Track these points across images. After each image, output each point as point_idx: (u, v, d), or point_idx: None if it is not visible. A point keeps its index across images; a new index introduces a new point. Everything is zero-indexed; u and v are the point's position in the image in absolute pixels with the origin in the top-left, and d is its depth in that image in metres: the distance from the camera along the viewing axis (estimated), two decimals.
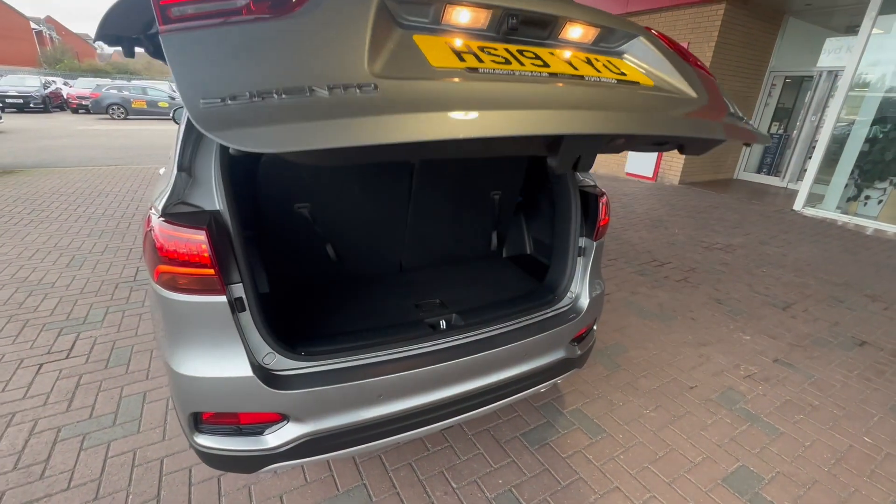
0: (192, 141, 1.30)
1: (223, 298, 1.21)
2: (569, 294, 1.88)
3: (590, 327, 1.97)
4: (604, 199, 1.86)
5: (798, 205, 7.14)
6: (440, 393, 1.49)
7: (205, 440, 1.32)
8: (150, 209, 1.25)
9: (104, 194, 6.16)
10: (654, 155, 8.92)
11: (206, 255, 1.16)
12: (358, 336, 1.53)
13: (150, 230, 1.19)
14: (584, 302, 1.85)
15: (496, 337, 1.61)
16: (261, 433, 1.33)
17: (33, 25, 45.07)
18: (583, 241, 1.90)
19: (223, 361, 1.24)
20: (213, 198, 1.26)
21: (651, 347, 3.02)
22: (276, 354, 1.33)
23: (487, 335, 1.61)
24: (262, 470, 1.37)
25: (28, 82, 19.36)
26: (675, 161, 8.73)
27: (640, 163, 9.26)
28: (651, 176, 9.09)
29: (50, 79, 23.93)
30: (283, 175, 1.60)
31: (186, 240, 1.16)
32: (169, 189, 1.23)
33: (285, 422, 1.33)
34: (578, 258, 1.90)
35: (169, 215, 1.20)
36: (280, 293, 1.85)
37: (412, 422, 1.47)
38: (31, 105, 18.35)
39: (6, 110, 17.35)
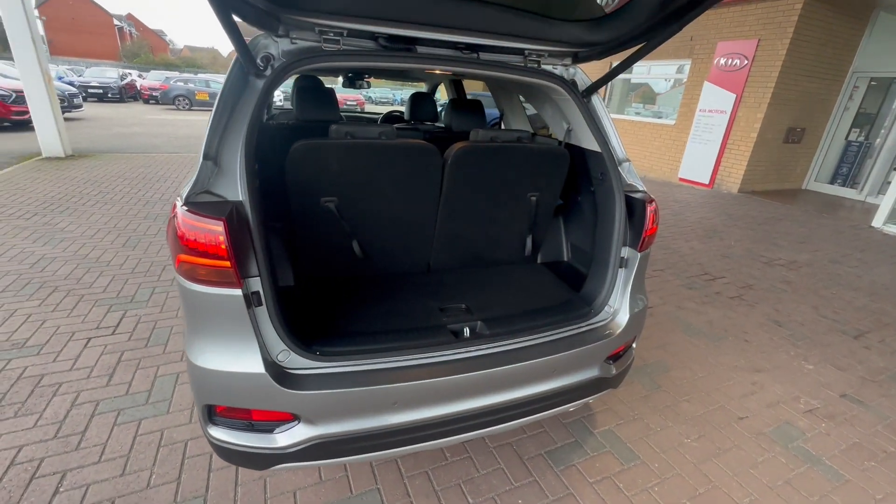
0: (220, 129, 1.29)
1: (238, 292, 1.18)
2: (607, 308, 1.73)
3: (628, 345, 1.81)
4: (652, 206, 1.69)
5: (878, 221, 6.41)
6: (459, 405, 1.40)
7: (217, 432, 1.31)
8: (178, 197, 1.24)
9: (163, 179, 6.55)
10: (712, 159, 8.34)
11: (222, 246, 1.13)
12: (376, 338, 1.47)
13: (174, 217, 1.18)
14: (624, 318, 1.70)
15: (523, 350, 1.50)
16: (271, 431, 1.29)
17: (116, 22, 49.06)
18: (626, 252, 1.74)
19: (236, 356, 1.22)
20: (237, 188, 1.24)
21: (696, 369, 2.78)
22: (291, 352, 1.29)
23: (514, 347, 1.50)
24: (272, 469, 1.34)
25: (108, 74, 21.07)
26: (735, 167, 8.12)
27: (695, 167, 8.69)
28: (707, 182, 8.51)
29: (126, 71, 25.94)
30: (310, 167, 1.57)
31: (206, 230, 1.14)
32: (193, 177, 1.22)
33: (296, 422, 1.29)
34: (620, 269, 1.74)
35: (191, 204, 1.19)
36: (303, 287, 1.83)
37: (428, 433, 1.40)
38: (109, 95, 19.96)
39: (88, 99, 18.98)
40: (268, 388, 1.23)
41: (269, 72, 1.37)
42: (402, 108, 3.81)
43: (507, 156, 1.80)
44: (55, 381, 2.30)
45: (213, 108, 1.30)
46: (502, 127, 3.08)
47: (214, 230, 1.13)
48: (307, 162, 1.54)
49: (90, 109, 15.78)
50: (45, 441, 1.94)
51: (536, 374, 1.50)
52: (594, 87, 1.82)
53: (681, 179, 9.01)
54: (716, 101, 8.14)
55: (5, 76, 10.22)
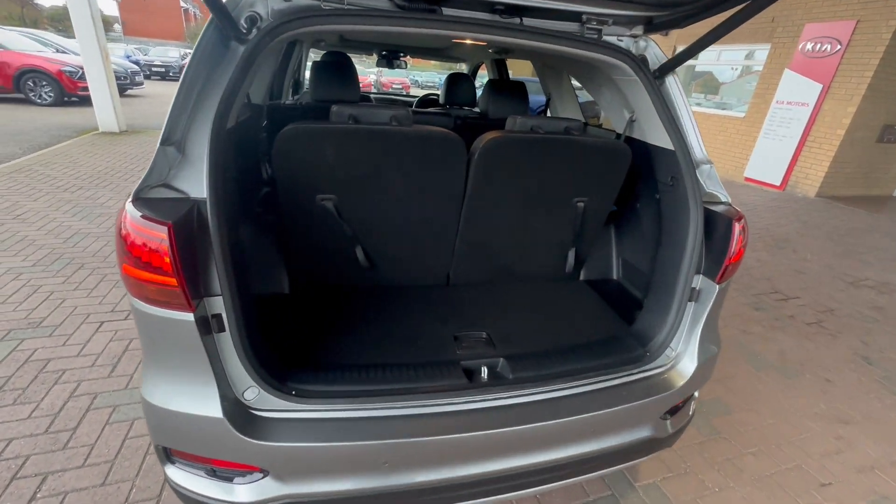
0: (187, 108, 1.03)
1: (189, 316, 0.93)
2: (668, 351, 1.36)
3: (690, 396, 1.43)
4: (740, 225, 1.29)
5: None
6: (467, 468, 1.11)
7: (175, 474, 1.09)
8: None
9: None
10: (787, 158, 7.41)
11: (166, 258, 0.88)
12: (368, 376, 1.19)
13: (121, 215, 0.94)
14: (689, 367, 1.33)
15: (555, 402, 1.18)
16: (231, 480, 1.06)
17: (182, 4, 51.36)
18: (699, 281, 1.36)
19: (190, 394, 0.99)
20: (203, 183, 0.98)
21: (765, 412, 2.33)
22: (260, 389, 1.03)
23: (543, 398, 1.18)
24: None
25: (170, 54, 22.06)
26: (815, 167, 7.18)
27: (765, 166, 7.77)
28: (778, 183, 7.60)
29: (187, 51, 27.06)
30: (302, 157, 1.29)
31: (147, 236, 0.89)
32: (148, 166, 0.97)
33: (263, 476, 1.05)
34: (689, 303, 1.36)
35: (140, 201, 0.95)
36: (296, 298, 1.58)
37: (424, 500, 1.11)
38: (171, 74, 20.88)
39: (152, 77, 19.95)
40: (226, 437, 0.98)
41: (253, 35, 1.10)
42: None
43: (550, 150, 1.45)
44: (60, 367, 2.22)
45: (180, 81, 1.04)
46: (548, 115, 2.67)
47: (156, 237, 0.88)
48: (298, 151, 1.27)
49: (151, 87, 16.51)
50: (35, 436, 1.84)
51: (570, 434, 1.18)
52: (671, 66, 1.42)
53: (747, 179, 8.12)
54: (797, 91, 7.19)
55: (68, 51, 10.72)
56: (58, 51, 10.59)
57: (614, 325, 1.59)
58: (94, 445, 1.81)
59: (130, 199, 0.96)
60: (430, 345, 1.38)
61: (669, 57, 1.45)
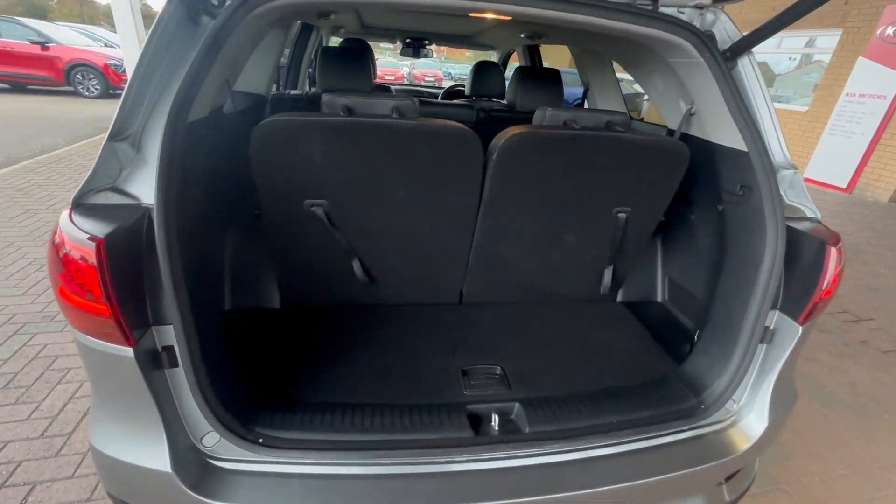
0: (146, 94, 0.86)
1: (128, 351, 0.76)
2: (729, 405, 1.09)
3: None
4: (837, 250, 1.00)
5: None
6: None
7: None
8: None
9: None
10: (856, 157, 6.66)
11: (95, 281, 0.71)
12: (353, 421, 1.00)
13: (57, 227, 0.78)
14: (757, 426, 1.06)
15: (581, 465, 0.94)
16: None
17: None
18: (774, 318, 1.08)
19: (135, 442, 0.83)
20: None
21: (833, 459, 1.98)
22: (219, 436, 0.86)
23: (565, 458, 0.94)
24: None
25: None
26: (889, 167, 6.42)
27: (830, 166, 7.04)
28: (844, 186, 6.87)
29: None
30: (284, 155, 1.09)
31: (76, 253, 0.72)
32: (92, 167, 0.80)
33: None
34: (760, 345, 1.08)
35: (81, 207, 0.78)
36: (286, 316, 1.40)
37: None
38: None
39: None
40: (176, 495, 0.81)
41: (225, 7, 0.91)
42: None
43: (587, 150, 1.19)
44: (66, 365, 2.17)
45: (136, 64, 0.87)
46: (585, 107, 2.37)
47: (83, 254, 0.71)
48: (279, 148, 1.07)
49: None
50: (31, 440, 1.78)
51: None
52: (746, 44, 1.13)
53: (807, 180, 7.37)
54: (873, 82, 6.42)
55: (115, 46, 11.15)
56: (106, 45, 11.03)
57: (658, 362, 1.32)
58: (86, 455, 1.73)
59: (69, 207, 0.80)
60: (433, 381, 1.17)
61: (744, 33, 1.15)
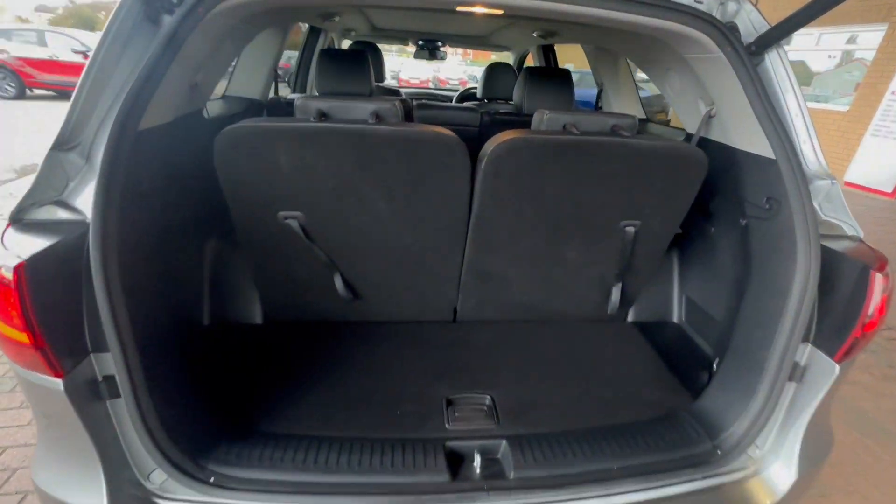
0: (98, 99, 0.80)
1: (58, 383, 0.69)
2: (750, 451, 0.95)
3: None
4: (883, 277, 0.85)
5: None
6: None
7: None
8: None
9: None
10: None
11: (16, 307, 0.64)
12: (316, 459, 0.91)
13: None
14: (785, 477, 0.92)
15: None
16: None
17: None
18: (805, 353, 0.93)
19: (72, 481, 0.76)
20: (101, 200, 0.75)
21: (876, 497, 1.77)
22: (165, 474, 0.78)
23: None
24: None
25: None
26: None
27: (873, 169, 6.59)
28: (890, 191, 6.41)
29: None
30: (252, 165, 1.01)
31: None
32: (33, 178, 0.74)
33: None
34: (789, 383, 0.94)
35: (19, 224, 0.72)
36: (262, 335, 1.33)
37: None
38: None
39: None
40: None
41: (182, 4, 0.84)
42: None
43: (590, 157, 1.07)
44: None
45: (86, 67, 0.80)
46: (601, 108, 2.23)
47: (1, 278, 0.65)
48: (246, 157, 0.99)
49: None
50: (28, 446, 1.77)
51: None
52: (776, 36, 0.99)
53: (848, 184, 6.94)
54: None
55: None
56: None
57: (670, 394, 1.18)
58: None
59: (7, 219, 0.74)
60: (414, 411, 1.06)
61: (774, 25, 1.01)
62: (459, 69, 22.51)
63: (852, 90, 6.96)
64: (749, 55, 1.01)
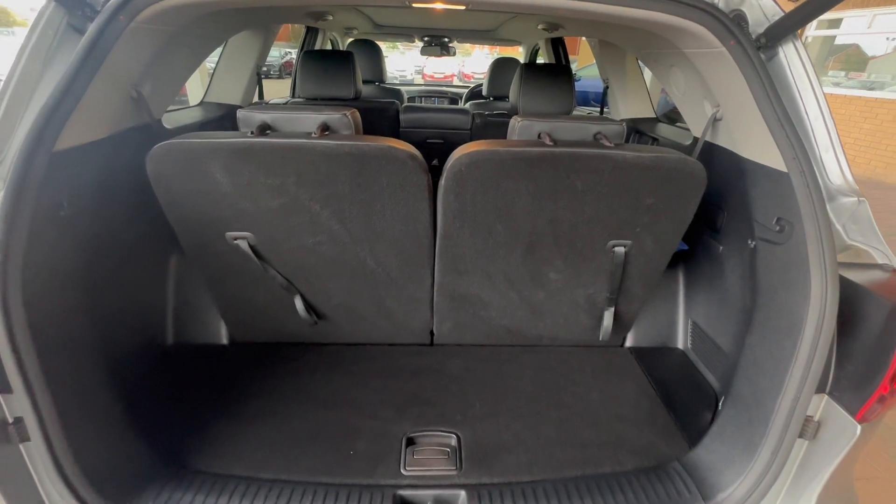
0: (18, 118, 0.74)
1: None
2: None
3: None
4: None
5: None
6: None
7: None
8: None
9: None
10: None
11: None
12: (251, 501, 0.82)
13: None
14: None
15: None
16: None
17: None
18: (820, 407, 0.78)
19: None
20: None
21: None
22: None
23: None
24: None
25: (272, 53, 23.94)
26: None
27: None
28: None
29: (287, 50, 29.05)
30: (189, 184, 0.93)
31: None
32: None
33: None
34: (800, 440, 0.79)
35: None
36: (235, 353, 1.27)
37: None
38: (271, 73, 22.66)
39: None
40: None
41: (102, 11, 0.77)
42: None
43: (562, 171, 0.93)
44: None
45: (3, 82, 0.75)
46: (606, 108, 2.04)
47: None
48: (179, 176, 0.91)
49: None
50: None
51: None
52: (789, 26, 0.83)
53: None
54: None
55: None
56: None
57: (663, 440, 1.03)
58: None
59: None
60: (368, 450, 0.97)
61: (786, 13, 0.85)
62: (486, 63, 22.11)
63: None
64: (757, 49, 0.86)
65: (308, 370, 1.20)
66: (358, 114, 0.99)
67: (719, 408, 1.08)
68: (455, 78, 19.30)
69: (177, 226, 1.00)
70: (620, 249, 1.06)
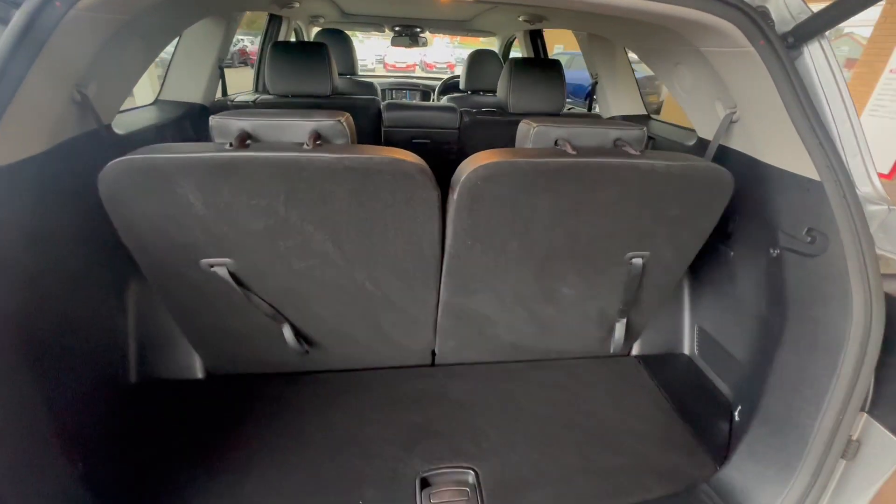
0: None
1: None
2: None
3: None
4: None
5: None
6: None
7: None
8: None
9: None
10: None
11: None
12: None
13: None
14: None
15: None
16: None
17: None
18: (859, 426, 0.76)
19: None
20: None
21: None
22: None
23: None
24: None
25: None
26: None
27: (871, 149, 6.42)
28: (887, 172, 6.26)
29: (240, 38, 27.39)
30: (153, 207, 0.78)
31: None
32: None
33: None
34: (840, 463, 0.76)
35: None
36: (213, 388, 1.12)
37: None
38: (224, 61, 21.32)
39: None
40: None
41: (36, 1, 0.61)
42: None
43: (587, 182, 0.86)
44: None
45: None
46: (595, 103, 1.99)
47: None
48: (140, 198, 0.77)
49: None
50: None
51: None
52: (821, 24, 0.78)
53: None
54: None
55: None
56: None
57: (687, 458, 0.99)
58: None
59: None
60: (379, 498, 0.87)
61: (817, 10, 0.80)
62: (447, 52, 21.78)
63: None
64: (788, 49, 0.81)
65: (298, 405, 1.07)
66: (351, 119, 0.87)
67: (735, 417, 1.06)
68: (417, 67, 18.90)
69: (137, 253, 0.84)
70: (638, 261, 1.00)
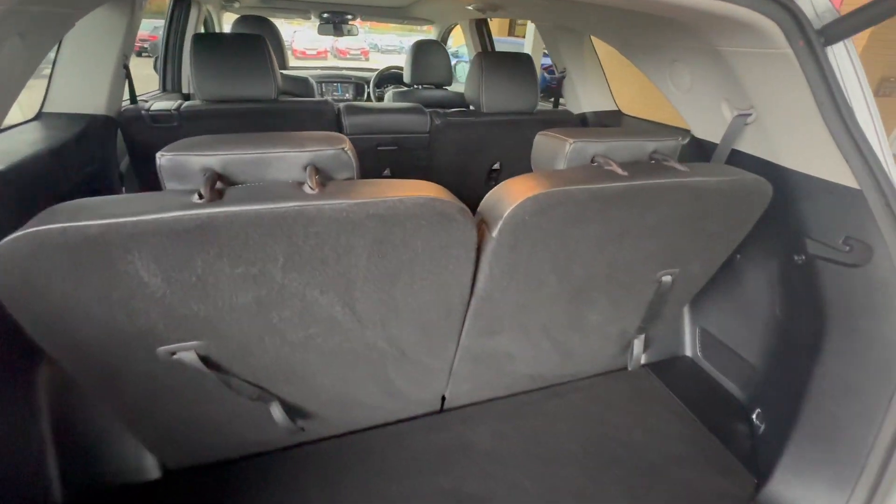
0: None
1: None
2: None
3: None
4: None
5: None
6: None
7: None
8: None
9: None
10: None
11: None
12: None
13: None
14: None
15: None
16: None
17: None
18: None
19: None
20: None
21: None
22: None
23: None
24: None
25: None
26: None
27: None
28: None
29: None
30: (87, 292, 0.54)
31: None
32: None
33: None
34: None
35: None
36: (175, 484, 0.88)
37: None
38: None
39: None
40: None
41: None
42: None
43: (636, 206, 0.75)
44: None
45: None
46: (562, 99, 1.92)
47: None
48: (61, 280, 0.52)
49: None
50: None
51: None
52: (848, 29, 0.75)
53: None
54: None
55: None
56: None
57: (729, 479, 0.96)
58: None
59: None
60: None
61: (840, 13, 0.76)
62: (360, 38, 20.84)
63: None
64: (823, 46, 0.77)
65: (294, 485, 0.87)
66: (351, 144, 0.68)
67: (755, 421, 1.06)
68: (328, 54, 17.84)
69: (54, 349, 0.59)
70: (668, 278, 0.93)
